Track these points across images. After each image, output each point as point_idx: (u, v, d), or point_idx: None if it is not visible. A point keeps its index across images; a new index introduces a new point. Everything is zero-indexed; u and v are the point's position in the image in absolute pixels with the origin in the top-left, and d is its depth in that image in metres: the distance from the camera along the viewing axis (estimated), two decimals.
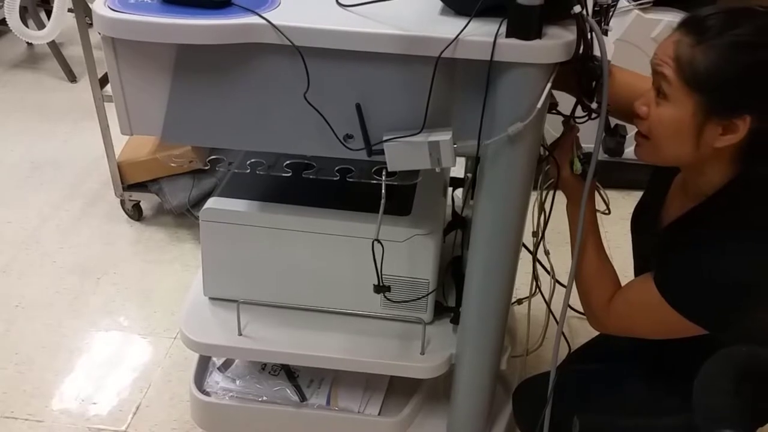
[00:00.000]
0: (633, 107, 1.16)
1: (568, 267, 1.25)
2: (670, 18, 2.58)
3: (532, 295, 1.54)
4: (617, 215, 1.42)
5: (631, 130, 1.34)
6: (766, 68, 1.02)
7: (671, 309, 1.15)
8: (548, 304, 1.53)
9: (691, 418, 0.93)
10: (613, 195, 1.39)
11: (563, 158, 1.28)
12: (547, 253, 1.45)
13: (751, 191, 1.13)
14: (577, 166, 1.26)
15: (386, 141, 1.12)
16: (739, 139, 1.06)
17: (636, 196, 1.42)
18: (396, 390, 1.63)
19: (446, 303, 1.54)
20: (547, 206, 1.39)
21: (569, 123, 1.27)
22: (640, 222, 1.38)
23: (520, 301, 1.62)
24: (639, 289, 1.22)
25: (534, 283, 1.51)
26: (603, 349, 1.59)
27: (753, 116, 1.04)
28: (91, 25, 1.16)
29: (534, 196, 1.34)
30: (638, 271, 1.38)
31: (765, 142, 1.07)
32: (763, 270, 1.10)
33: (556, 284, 1.50)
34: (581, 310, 1.34)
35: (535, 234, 1.42)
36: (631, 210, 1.41)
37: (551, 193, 1.37)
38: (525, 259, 1.43)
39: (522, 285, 1.54)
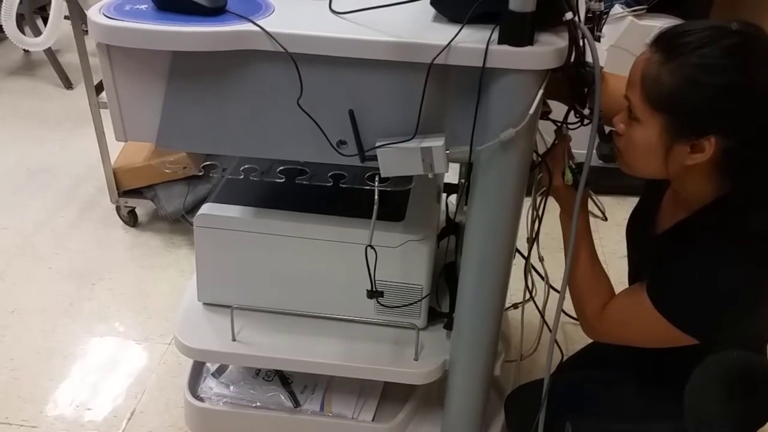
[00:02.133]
0: (613, 123, 1.17)
1: (563, 273, 1.25)
2: (665, 24, 2.58)
3: (525, 301, 1.54)
4: (612, 221, 1.42)
5: None
6: (729, 91, 1.02)
7: (663, 319, 1.15)
8: (541, 312, 1.52)
9: (683, 423, 0.94)
10: (607, 201, 1.39)
11: (555, 167, 1.28)
12: (541, 258, 1.45)
13: (738, 203, 1.13)
14: (569, 176, 1.26)
15: (379, 147, 1.13)
16: (707, 158, 1.06)
17: (630, 202, 1.42)
18: (390, 396, 1.63)
19: (440, 309, 1.54)
20: (540, 212, 1.40)
21: (561, 132, 1.27)
22: (635, 229, 1.39)
23: (515, 306, 1.62)
24: (632, 298, 1.22)
25: (527, 288, 1.51)
26: (597, 356, 1.59)
27: (718, 136, 1.04)
28: (87, 32, 1.17)
29: (528, 201, 1.35)
30: (632, 277, 1.38)
31: (737, 159, 1.07)
32: (752, 279, 1.11)
33: (551, 290, 1.50)
34: (575, 316, 1.34)
35: (530, 240, 1.42)
36: (626, 216, 1.41)
37: (545, 199, 1.37)
38: (520, 264, 1.44)
39: (517, 290, 1.54)
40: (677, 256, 1.16)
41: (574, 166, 1.27)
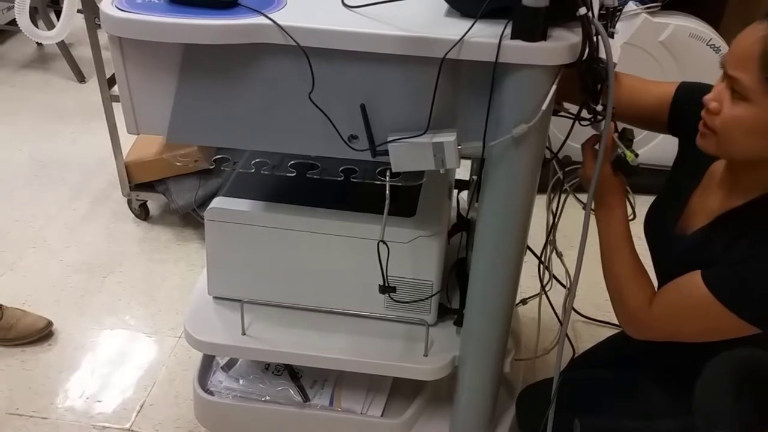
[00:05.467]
0: (704, 101, 1.11)
1: (573, 270, 1.23)
2: (678, 22, 2.57)
3: (536, 295, 1.53)
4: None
5: (639, 134, 1.32)
6: None
7: (726, 310, 1.10)
8: (556, 309, 1.52)
9: (692, 420, 0.93)
10: None
11: (587, 157, 1.24)
12: (559, 255, 1.43)
13: None
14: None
15: (391, 142, 1.12)
16: None
17: (643, 200, 1.39)
18: (399, 391, 1.62)
19: (450, 305, 1.54)
20: (557, 210, 1.38)
21: (597, 121, 1.20)
22: (658, 227, 1.34)
23: (524, 301, 1.61)
24: (685, 290, 1.16)
25: (541, 285, 1.50)
26: (608, 353, 1.58)
27: None
28: (99, 25, 1.17)
29: (543, 199, 1.34)
30: (662, 278, 1.32)
31: None
32: None
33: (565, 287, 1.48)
34: (585, 314, 1.33)
35: (549, 232, 1.40)
36: (641, 215, 1.38)
37: (560, 196, 1.36)
38: (532, 262, 1.43)
39: (529, 288, 1.53)
40: (738, 242, 1.12)
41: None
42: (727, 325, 1.11)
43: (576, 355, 1.68)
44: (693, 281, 1.14)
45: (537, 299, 1.54)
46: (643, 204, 1.39)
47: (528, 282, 1.51)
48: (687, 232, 1.25)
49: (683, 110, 1.27)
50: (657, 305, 1.21)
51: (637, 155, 1.19)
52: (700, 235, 1.21)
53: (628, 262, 1.24)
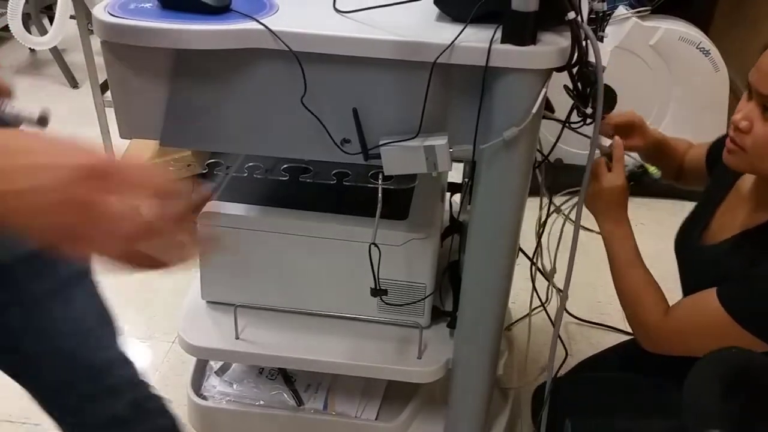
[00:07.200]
0: (733, 120, 1.13)
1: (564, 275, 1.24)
2: (669, 26, 2.59)
3: (533, 310, 1.53)
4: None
5: None
6: None
7: (738, 327, 1.11)
8: (548, 312, 1.52)
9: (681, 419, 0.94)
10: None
11: (598, 172, 1.26)
12: (551, 273, 1.43)
13: None
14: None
15: (383, 145, 1.13)
16: None
17: (634, 203, 1.40)
18: (393, 395, 1.63)
19: (443, 307, 1.55)
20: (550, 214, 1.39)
21: (587, 124, 1.21)
22: (684, 240, 1.35)
23: (529, 316, 1.61)
24: (701, 306, 1.17)
25: (538, 297, 1.50)
26: (618, 359, 1.58)
27: None
28: (92, 31, 1.17)
29: (536, 201, 1.34)
30: (686, 291, 1.33)
31: None
32: None
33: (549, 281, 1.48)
34: (578, 316, 1.34)
35: (538, 235, 1.41)
36: (642, 220, 1.39)
37: (550, 202, 1.37)
38: (525, 264, 1.43)
39: (528, 288, 1.54)
40: (760, 260, 1.12)
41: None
42: (740, 342, 1.11)
43: (567, 357, 1.68)
44: (708, 297, 1.15)
45: (530, 300, 1.54)
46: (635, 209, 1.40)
47: (520, 284, 1.52)
48: (710, 244, 1.25)
49: (715, 157, 1.30)
50: (671, 320, 1.21)
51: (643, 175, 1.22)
52: (722, 248, 1.22)
53: (641, 276, 1.25)
